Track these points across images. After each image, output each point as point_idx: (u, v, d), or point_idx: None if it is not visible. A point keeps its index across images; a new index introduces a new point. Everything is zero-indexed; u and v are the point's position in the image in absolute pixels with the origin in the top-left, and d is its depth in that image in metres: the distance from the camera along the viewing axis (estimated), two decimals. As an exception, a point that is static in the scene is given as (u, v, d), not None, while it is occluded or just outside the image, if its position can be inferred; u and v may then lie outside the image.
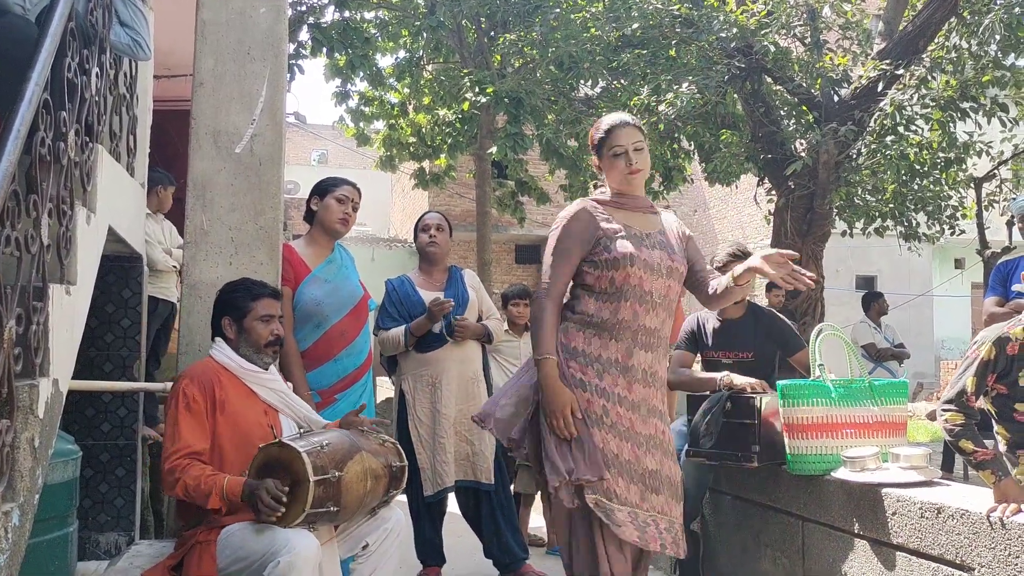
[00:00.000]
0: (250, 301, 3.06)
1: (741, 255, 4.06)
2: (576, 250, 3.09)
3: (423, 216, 4.47)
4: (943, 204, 10.26)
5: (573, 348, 3.06)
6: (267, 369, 3.08)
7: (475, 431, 4.24)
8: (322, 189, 3.82)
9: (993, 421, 3.19)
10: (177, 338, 3.97)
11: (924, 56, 8.67)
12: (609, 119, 3.17)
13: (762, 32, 8.75)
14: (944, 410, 3.00)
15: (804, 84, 9.25)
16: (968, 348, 3.07)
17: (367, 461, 2.83)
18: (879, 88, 8.67)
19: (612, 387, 3.03)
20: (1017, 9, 8.06)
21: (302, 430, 3.03)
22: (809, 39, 9.47)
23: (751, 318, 4.09)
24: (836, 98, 9.14)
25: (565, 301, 3.16)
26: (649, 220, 3.19)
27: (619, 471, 2.98)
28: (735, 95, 9.73)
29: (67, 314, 2.64)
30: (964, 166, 9.83)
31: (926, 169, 9.56)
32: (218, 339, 3.07)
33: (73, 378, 2.81)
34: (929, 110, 8.53)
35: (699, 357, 4.20)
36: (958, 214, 10.57)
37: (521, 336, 5.56)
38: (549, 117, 11.64)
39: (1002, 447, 3.14)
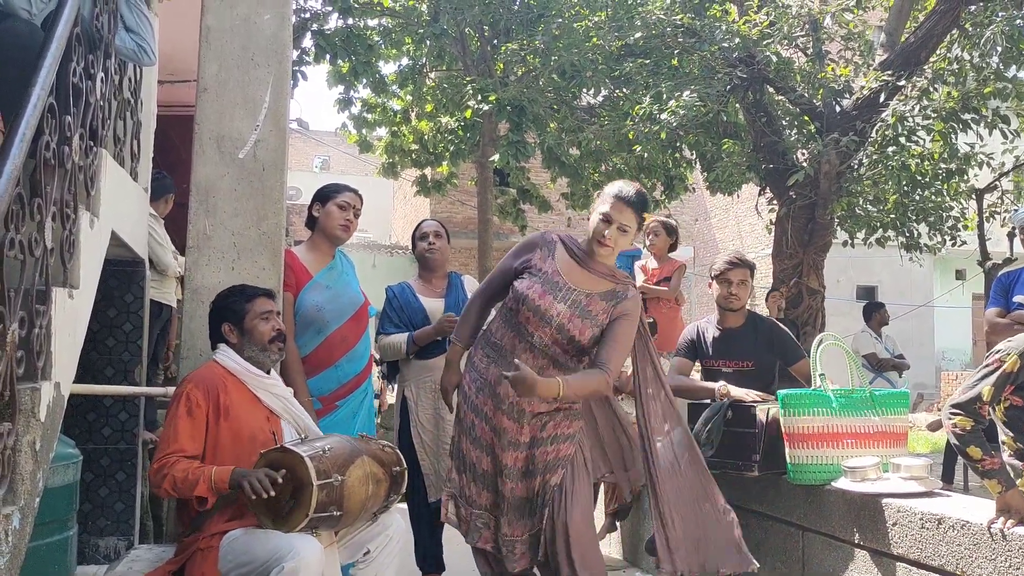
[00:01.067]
0: (245, 303, 3.08)
1: (739, 263, 4.07)
2: (509, 263, 3.35)
3: (420, 224, 4.45)
4: (944, 215, 10.26)
5: (474, 362, 3.35)
6: (270, 373, 3.09)
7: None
8: (324, 195, 3.82)
9: (1000, 430, 3.17)
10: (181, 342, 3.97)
11: (926, 67, 8.69)
12: (621, 188, 3.22)
13: (764, 42, 8.77)
14: (952, 414, 2.95)
15: (806, 94, 9.27)
16: (988, 356, 3.02)
17: (368, 465, 2.83)
18: (881, 99, 8.69)
19: (483, 406, 3.28)
20: (1019, 21, 8.08)
21: (303, 436, 3.03)
22: (811, 50, 9.49)
23: (751, 327, 4.09)
24: (838, 109, 9.16)
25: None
26: (589, 280, 3.22)
27: (473, 476, 3.32)
28: (737, 105, 9.75)
29: (69, 318, 2.64)
30: (965, 177, 9.83)
31: (927, 180, 9.56)
32: (221, 345, 3.07)
33: (74, 382, 2.82)
34: (931, 121, 8.54)
35: (699, 366, 4.20)
36: (959, 225, 10.57)
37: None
38: (551, 125, 11.66)
39: (1006, 456, 3.13)
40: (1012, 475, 2.94)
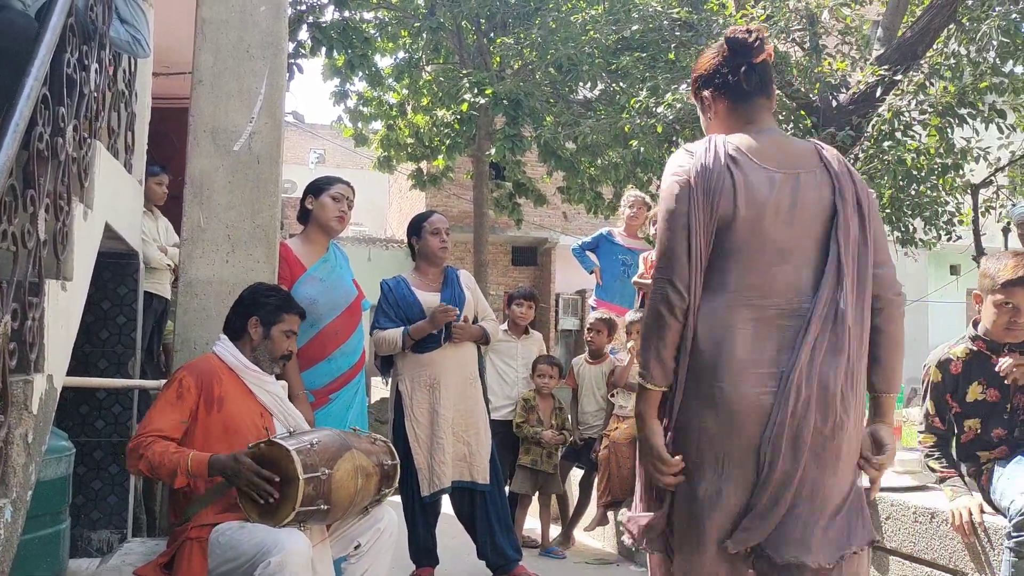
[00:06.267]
0: (284, 313, 3.09)
1: None
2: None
3: (430, 218, 4.40)
4: (940, 210, 10.28)
5: None
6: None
7: (471, 431, 4.26)
8: (317, 188, 3.82)
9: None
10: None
11: (922, 62, 8.69)
12: None
13: (761, 36, 8.75)
14: (919, 432, 3.09)
15: (802, 89, 9.26)
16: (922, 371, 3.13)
17: (358, 459, 2.82)
18: (877, 94, 8.68)
19: None
20: (1015, 16, 8.08)
21: (292, 430, 3.03)
22: (808, 44, 9.49)
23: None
24: (834, 103, 9.16)
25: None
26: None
27: None
28: (734, 99, 9.75)
29: (63, 310, 2.63)
30: (961, 172, 9.85)
31: (923, 175, 9.57)
32: (223, 336, 3.07)
33: (68, 374, 2.81)
34: (927, 116, 8.55)
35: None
36: (955, 220, 10.59)
37: (520, 337, 5.55)
38: (548, 119, 11.65)
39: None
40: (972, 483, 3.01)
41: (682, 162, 2.10)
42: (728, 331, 2.00)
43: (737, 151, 2.08)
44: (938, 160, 9.39)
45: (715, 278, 2.05)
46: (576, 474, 5.70)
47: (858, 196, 2.09)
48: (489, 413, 4.53)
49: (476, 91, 11.23)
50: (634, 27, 9.37)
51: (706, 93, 2.23)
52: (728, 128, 2.18)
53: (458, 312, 4.18)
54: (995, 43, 8.07)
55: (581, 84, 11.42)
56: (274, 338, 3.05)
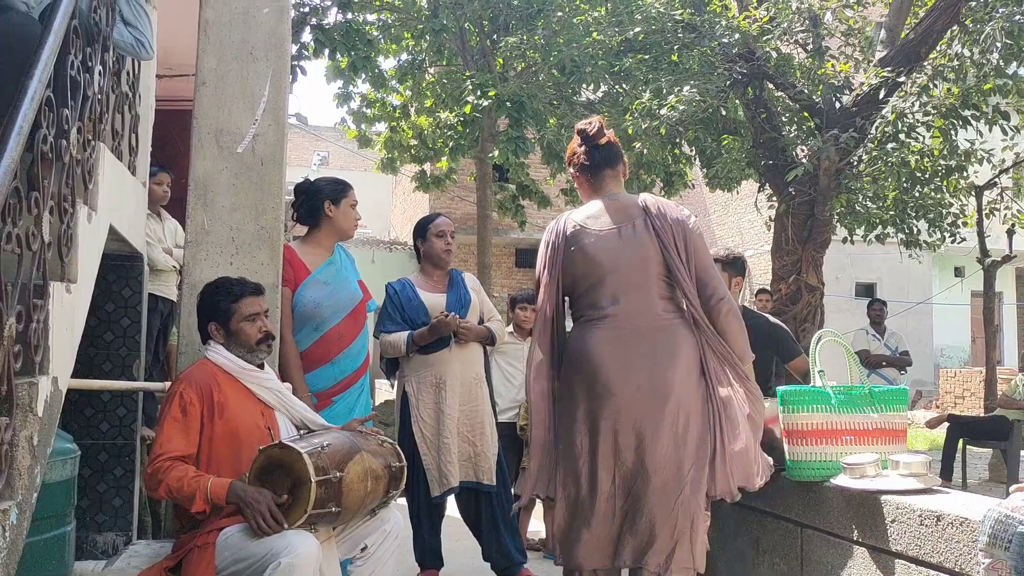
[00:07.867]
0: (232, 303, 3.02)
1: (722, 260, 4.04)
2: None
3: (435, 220, 4.40)
4: (944, 212, 10.27)
5: None
6: (263, 368, 3.08)
7: (477, 432, 4.24)
8: (334, 195, 3.80)
9: None
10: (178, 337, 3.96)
11: (926, 64, 8.68)
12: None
13: (764, 38, 8.76)
14: None
15: (806, 90, 9.26)
16: None
17: (367, 461, 2.82)
18: (881, 95, 8.68)
19: None
20: (1019, 18, 8.07)
21: (301, 431, 3.03)
22: (811, 45, 9.49)
23: (746, 323, 4.08)
24: (837, 105, 9.15)
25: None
26: None
27: None
28: (737, 101, 9.74)
29: (67, 312, 2.63)
30: (965, 174, 9.84)
31: (927, 177, 9.56)
32: (211, 341, 3.06)
33: (72, 377, 2.81)
34: (930, 118, 8.54)
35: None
36: (959, 222, 10.58)
37: (525, 340, 5.54)
38: (551, 121, 11.65)
39: None
40: None
41: (545, 238, 3.11)
42: (594, 349, 2.92)
43: (575, 225, 3.02)
44: (942, 162, 9.38)
45: (583, 312, 3.02)
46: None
47: (674, 234, 2.94)
48: (496, 416, 4.52)
49: (479, 93, 11.23)
50: (637, 29, 9.36)
51: (570, 170, 3.16)
52: (586, 193, 3.13)
53: (459, 318, 4.18)
54: (999, 45, 8.05)
55: (584, 86, 11.41)
56: (237, 331, 3.01)
